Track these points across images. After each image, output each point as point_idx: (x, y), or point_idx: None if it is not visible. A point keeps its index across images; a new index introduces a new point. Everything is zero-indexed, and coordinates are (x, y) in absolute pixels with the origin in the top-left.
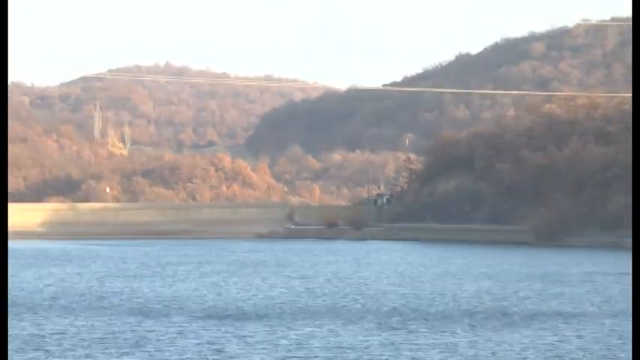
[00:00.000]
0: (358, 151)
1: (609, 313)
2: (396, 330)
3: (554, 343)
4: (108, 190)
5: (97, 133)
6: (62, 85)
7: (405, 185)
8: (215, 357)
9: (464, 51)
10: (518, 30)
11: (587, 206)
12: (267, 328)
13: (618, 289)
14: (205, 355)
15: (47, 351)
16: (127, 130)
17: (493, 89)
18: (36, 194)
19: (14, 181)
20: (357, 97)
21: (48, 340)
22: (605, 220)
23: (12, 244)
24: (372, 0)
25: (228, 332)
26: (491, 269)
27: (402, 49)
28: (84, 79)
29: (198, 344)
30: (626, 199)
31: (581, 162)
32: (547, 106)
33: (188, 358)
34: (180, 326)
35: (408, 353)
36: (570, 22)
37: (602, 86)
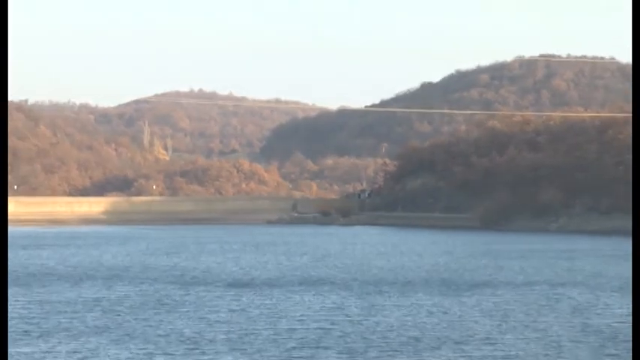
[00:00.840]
0: (346, 157)
1: (537, 282)
2: (373, 293)
3: (495, 302)
4: (154, 187)
5: (146, 143)
6: (119, 106)
7: (382, 183)
8: (236, 314)
9: (427, 80)
10: (468, 64)
11: (522, 199)
12: (276, 292)
13: (545, 262)
14: (230, 312)
15: (108, 311)
16: (168, 141)
17: (449, 109)
18: (99, 190)
19: (82, 180)
20: (345, 115)
21: (107, 302)
22: (535, 209)
23: (80, 229)
24: (358, 41)
25: (247, 295)
26: (447, 247)
27: (380, 78)
28: (136, 101)
29: (224, 304)
30: (551, 193)
31: (517, 165)
32: (490, 122)
33: (216, 314)
34: (209, 291)
35: (384, 312)
36: (508, 57)
37: (533, 107)
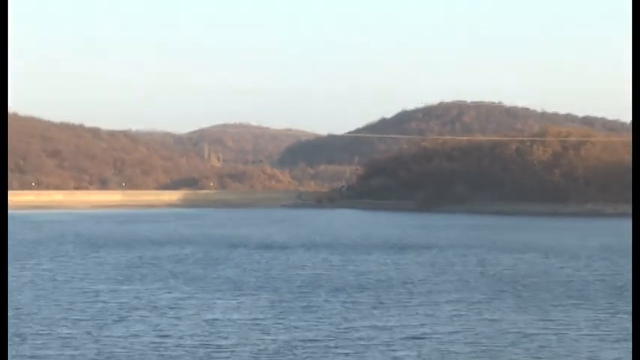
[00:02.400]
0: (332, 165)
1: (454, 244)
2: (349, 252)
3: (426, 258)
4: (211, 184)
5: (206, 156)
6: (189, 132)
7: (355, 181)
8: (261, 265)
9: (384, 116)
10: (410, 106)
11: (443, 191)
12: (287, 251)
13: (458, 231)
14: (257, 264)
15: (181, 263)
16: (220, 155)
17: (397, 135)
18: (176, 185)
19: (165, 179)
20: (333, 138)
21: (180, 256)
22: (451, 198)
23: (164, 210)
24: (340, 89)
25: (268, 253)
26: (395, 222)
27: (354, 113)
28: (200, 130)
29: (254, 259)
30: (461, 188)
31: (440, 170)
32: (423, 143)
33: (249, 265)
34: (244, 250)
35: (356, 264)
36: (435, 102)
37: (450, 134)
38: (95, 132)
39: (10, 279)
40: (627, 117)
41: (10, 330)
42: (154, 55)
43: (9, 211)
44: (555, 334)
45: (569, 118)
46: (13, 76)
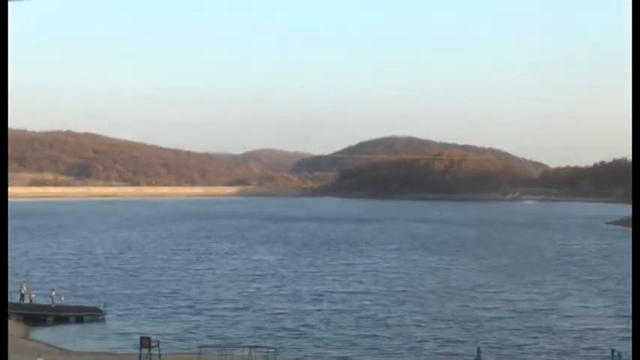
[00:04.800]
0: (322, 172)
1: (390, 218)
2: (331, 222)
3: (377, 226)
4: (253, 183)
5: (251, 167)
6: (243, 153)
7: (334, 181)
8: (280, 230)
9: (351, 144)
10: (365, 137)
11: (384, 187)
12: (297, 222)
13: (397, 210)
14: (277, 230)
15: (234, 229)
16: (258, 166)
17: (359, 156)
18: (234, 183)
19: (227, 180)
20: (322, 157)
21: (233, 225)
22: (390, 190)
23: (223, 198)
24: (328, 125)
25: (285, 223)
26: (357, 205)
27: (336, 143)
28: (247, 152)
29: (277, 227)
30: (396, 185)
31: (383, 175)
32: (373, 160)
33: (274, 231)
34: (271, 222)
35: (336, 229)
36: (380, 136)
37: (388, 154)
38: (188, 153)
39: (137, 238)
40: (490, 144)
41: (137, 265)
42: (235, 114)
43: (141, 198)
44: (449, 268)
45: (455, 145)
46: (145, 125)
